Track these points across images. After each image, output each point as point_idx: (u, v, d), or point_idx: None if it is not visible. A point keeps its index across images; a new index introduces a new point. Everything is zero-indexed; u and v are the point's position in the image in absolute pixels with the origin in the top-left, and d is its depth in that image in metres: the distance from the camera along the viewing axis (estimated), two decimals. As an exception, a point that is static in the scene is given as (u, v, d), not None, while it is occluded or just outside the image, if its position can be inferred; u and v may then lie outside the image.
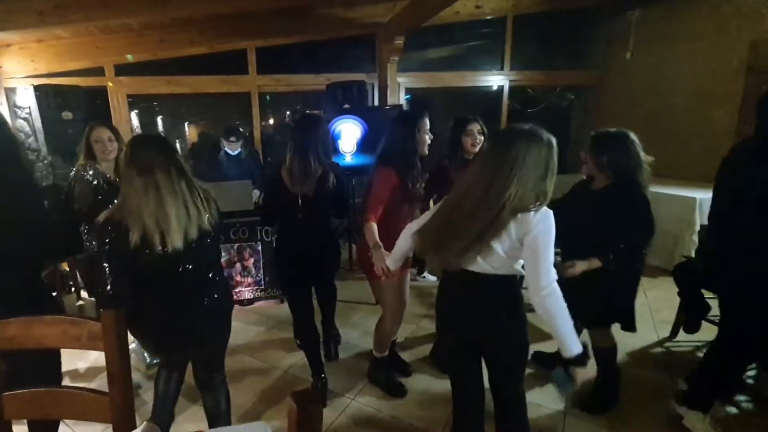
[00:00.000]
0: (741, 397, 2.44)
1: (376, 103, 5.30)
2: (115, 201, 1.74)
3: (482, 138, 2.82)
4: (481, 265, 1.50)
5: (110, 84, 4.82)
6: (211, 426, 1.96)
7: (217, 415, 1.96)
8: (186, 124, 6.27)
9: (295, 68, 5.11)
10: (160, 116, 5.90)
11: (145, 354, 2.83)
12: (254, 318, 3.60)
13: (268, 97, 5.48)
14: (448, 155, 2.93)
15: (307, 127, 2.30)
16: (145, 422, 1.23)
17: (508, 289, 1.55)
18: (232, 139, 4.20)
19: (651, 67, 5.32)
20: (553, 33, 5.79)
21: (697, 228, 3.93)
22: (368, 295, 3.25)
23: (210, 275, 1.79)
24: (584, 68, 6.02)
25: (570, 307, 1.45)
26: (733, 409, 2.35)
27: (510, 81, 5.76)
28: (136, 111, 5.31)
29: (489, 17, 5.47)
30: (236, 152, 4.29)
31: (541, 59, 5.79)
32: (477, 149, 2.81)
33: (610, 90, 5.92)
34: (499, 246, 1.45)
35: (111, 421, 1.28)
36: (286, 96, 5.65)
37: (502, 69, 5.72)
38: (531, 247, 1.42)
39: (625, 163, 2.06)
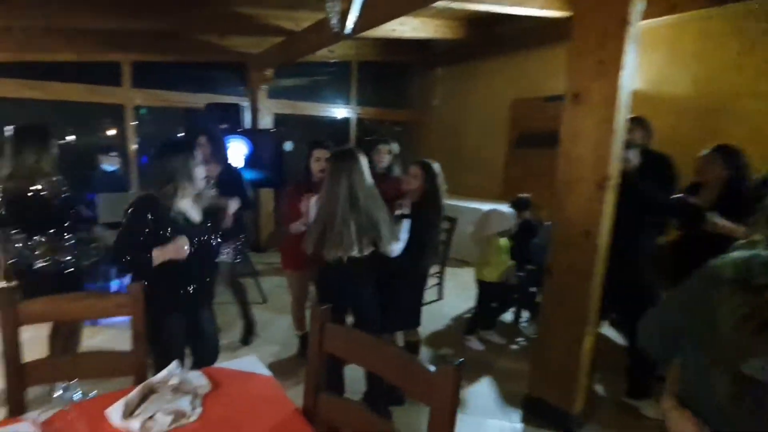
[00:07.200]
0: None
1: (248, 124, 5.57)
2: None
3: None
4: None
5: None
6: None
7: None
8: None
9: (170, 85, 5.07)
10: None
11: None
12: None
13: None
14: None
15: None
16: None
17: None
18: (113, 153, 4.08)
19: (451, 112, 6.88)
20: (385, 78, 7.01)
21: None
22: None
23: None
24: (407, 108, 7.42)
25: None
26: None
27: (355, 114, 6.74)
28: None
29: (336, 60, 6.32)
30: (113, 168, 4.13)
31: (376, 98, 6.95)
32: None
33: (425, 127, 7.40)
34: None
35: (134, 374, 1.56)
36: (162, 111, 5.41)
37: (348, 104, 6.67)
38: None
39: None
